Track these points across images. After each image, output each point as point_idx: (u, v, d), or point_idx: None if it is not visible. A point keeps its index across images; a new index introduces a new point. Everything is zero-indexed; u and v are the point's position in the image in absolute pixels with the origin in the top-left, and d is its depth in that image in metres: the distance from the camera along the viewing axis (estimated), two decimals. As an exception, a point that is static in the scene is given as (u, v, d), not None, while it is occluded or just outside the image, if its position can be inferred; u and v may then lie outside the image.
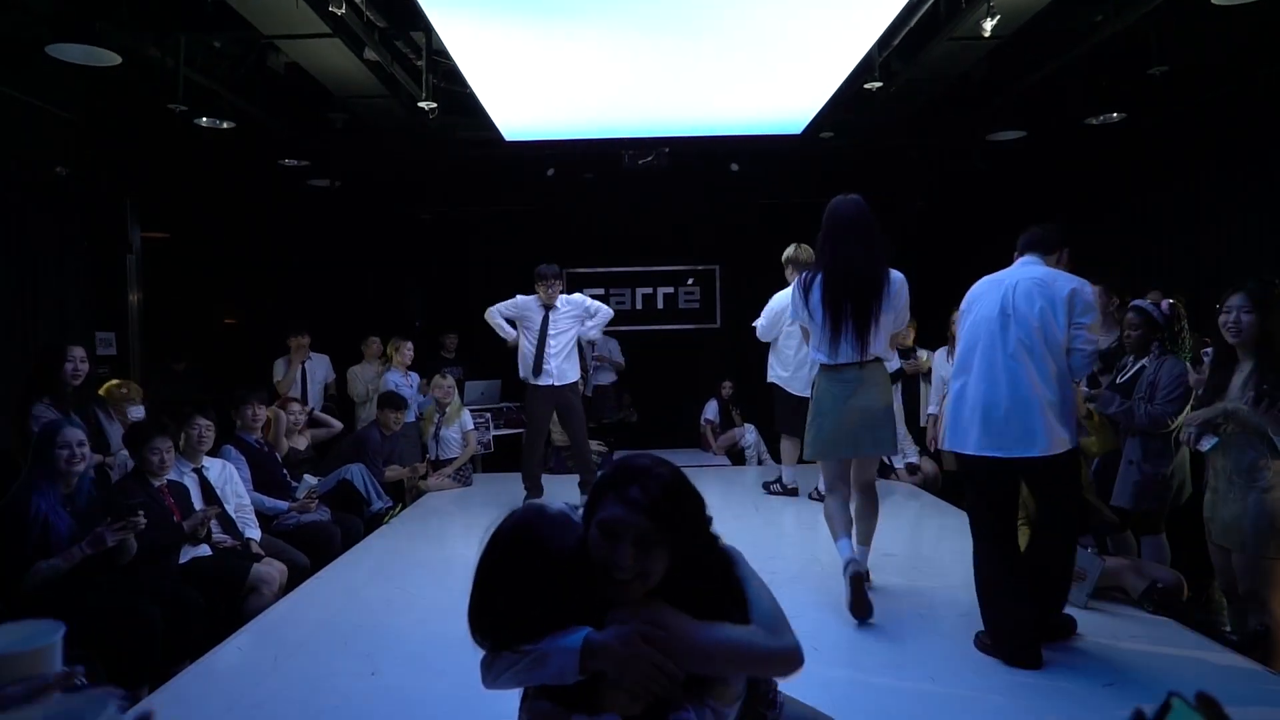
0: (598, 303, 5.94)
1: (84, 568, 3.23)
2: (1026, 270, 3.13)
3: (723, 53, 5.05)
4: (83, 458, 3.38)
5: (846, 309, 3.49)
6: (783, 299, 5.44)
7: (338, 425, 6.43)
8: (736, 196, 8.64)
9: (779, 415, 5.84)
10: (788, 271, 5.26)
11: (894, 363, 6.63)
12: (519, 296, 5.84)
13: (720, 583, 1.51)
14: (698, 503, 1.51)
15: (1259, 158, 5.83)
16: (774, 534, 5.00)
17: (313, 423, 6.17)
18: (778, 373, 5.72)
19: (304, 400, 6.69)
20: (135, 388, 5.01)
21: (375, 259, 9.41)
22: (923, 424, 6.35)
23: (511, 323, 5.85)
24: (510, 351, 5.94)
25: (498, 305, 5.87)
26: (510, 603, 1.39)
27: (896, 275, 3.54)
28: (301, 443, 5.83)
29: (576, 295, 6.04)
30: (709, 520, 1.53)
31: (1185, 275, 6.26)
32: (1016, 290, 3.06)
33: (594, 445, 7.45)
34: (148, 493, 3.80)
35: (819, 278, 3.56)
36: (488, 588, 1.42)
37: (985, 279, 3.24)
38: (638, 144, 7.11)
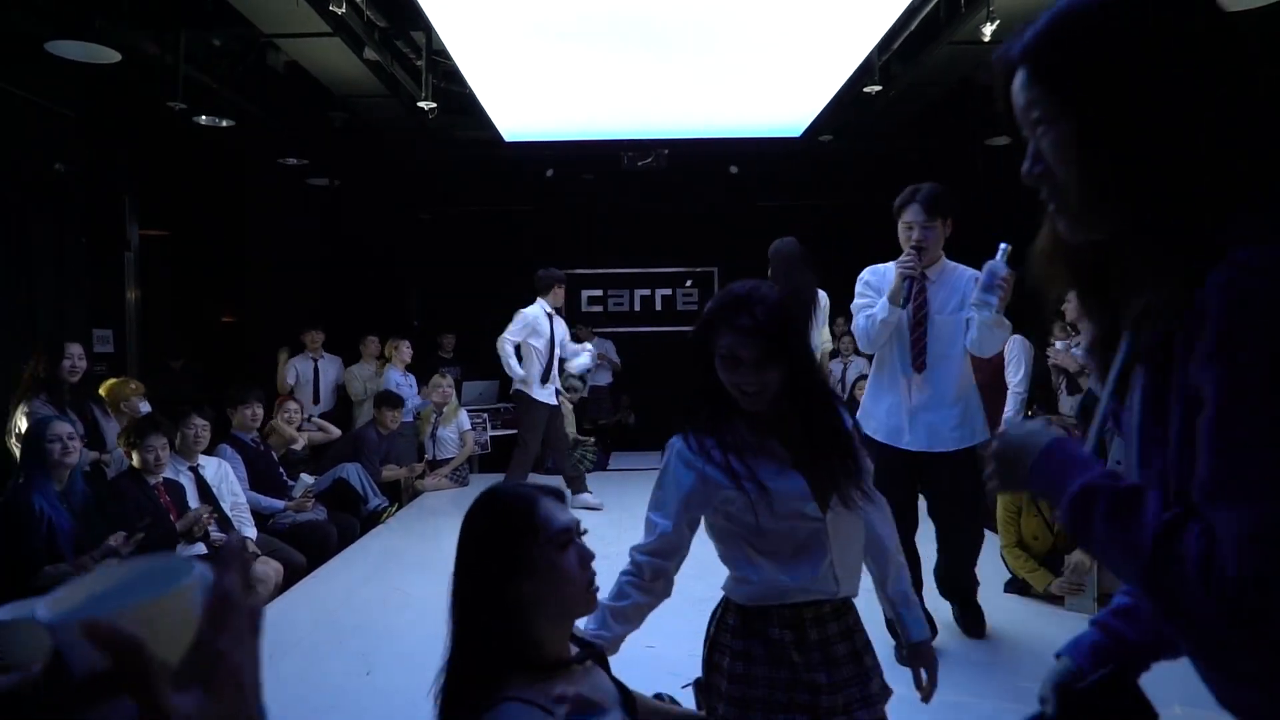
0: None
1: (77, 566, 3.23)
2: None
3: (723, 55, 5.06)
4: (74, 450, 3.40)
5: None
6: None
7: (336, 432, 6.42)
8: (735, 198, 8.64)
9: None
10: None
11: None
12: (522, 312, 5.55)
13: (826, 406, 1.62)
14: (799, 318, 1.61)
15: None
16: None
17: (316, 427, 6.20)
18: None
19: (316, 400, 6.70)
20: (139, 384, 5.02)
21: (375, 258, 9.39)
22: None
23: (517, 349, 5.53)
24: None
25: (507, 333, 5.48)
26: (479, 560, 1.33)
27: (822, 293, 4.72)
28: (298, 442, 5.82)
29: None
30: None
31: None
32: None
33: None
34: (143, 491, 3.80)
35: None
36: (466, 552, 1.36)
37: None
38: (637, 145, 7.12)
